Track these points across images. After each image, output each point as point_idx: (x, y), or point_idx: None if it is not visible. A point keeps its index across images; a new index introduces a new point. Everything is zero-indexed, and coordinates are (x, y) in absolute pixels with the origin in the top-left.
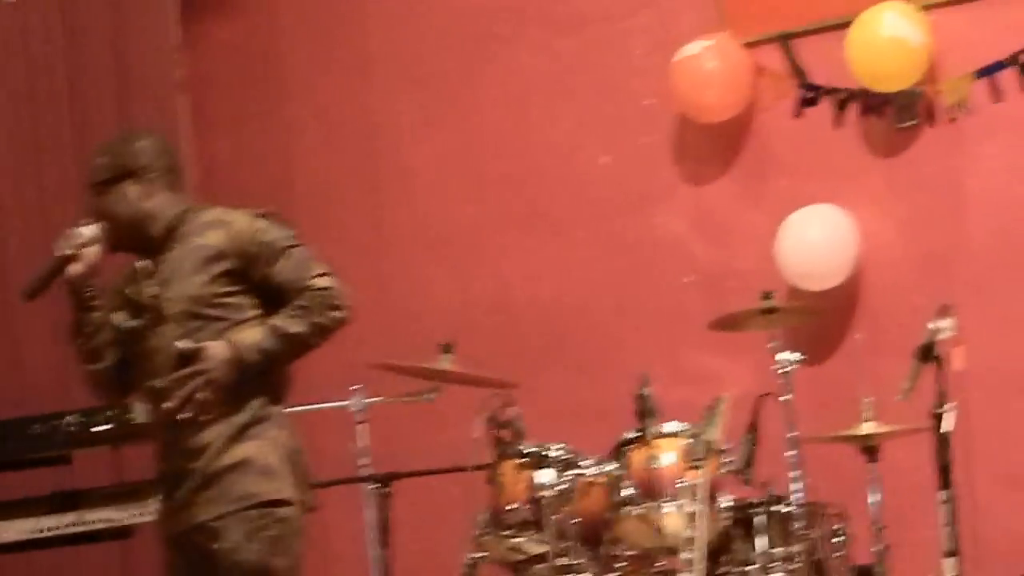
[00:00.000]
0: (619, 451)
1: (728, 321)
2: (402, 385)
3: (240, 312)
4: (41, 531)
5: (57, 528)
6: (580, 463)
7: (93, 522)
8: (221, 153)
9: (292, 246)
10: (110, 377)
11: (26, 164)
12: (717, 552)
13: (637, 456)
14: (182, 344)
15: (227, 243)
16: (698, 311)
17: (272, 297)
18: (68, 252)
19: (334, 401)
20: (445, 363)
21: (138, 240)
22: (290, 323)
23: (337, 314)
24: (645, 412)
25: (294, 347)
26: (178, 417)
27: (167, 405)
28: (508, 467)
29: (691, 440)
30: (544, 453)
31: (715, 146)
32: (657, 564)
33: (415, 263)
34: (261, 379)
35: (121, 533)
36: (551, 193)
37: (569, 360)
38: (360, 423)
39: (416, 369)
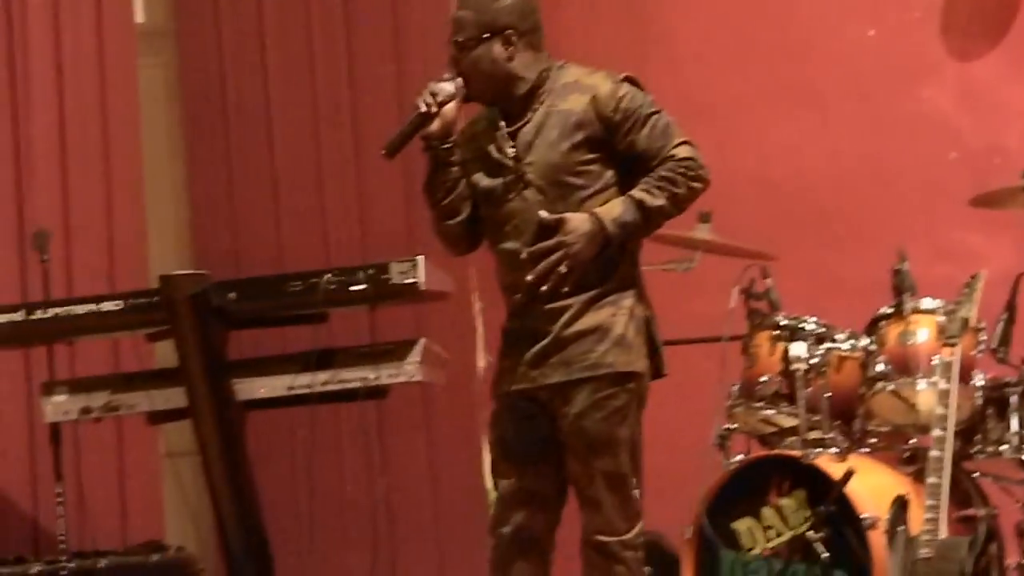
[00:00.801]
0: (874, 326)
1: (990, 198)
2: (660, 253)
3: (600, 180)
4: (296, 388)
5: (312, 386)
6: (834, 337)
7: (348, 381)
8: None
9: (654, 112)
10: (463, 232)
11: (297, 29)
12: (970, 431)
13: (892, 332)
14: (545, 215)
15: (591, 109)
16: (961, 188)
17: (632, 164)
18: (431, 109)
19: None
20: (703, 232)
21: (500, 99)
22: (652, 196)
23: (697, 184)
24: (902, 287)
25: (654, 220)
26: (540, 289)
27: (528, 278)
28: (762, 339)
29: (947, 317)
30: (799, 326)
31: (984, 21)
32: (909, 441)
33: None
34: (621, 248)
35: (376, 392)
36: (816, 65)
37: (827, 233)
38: None
39: (674, 237)
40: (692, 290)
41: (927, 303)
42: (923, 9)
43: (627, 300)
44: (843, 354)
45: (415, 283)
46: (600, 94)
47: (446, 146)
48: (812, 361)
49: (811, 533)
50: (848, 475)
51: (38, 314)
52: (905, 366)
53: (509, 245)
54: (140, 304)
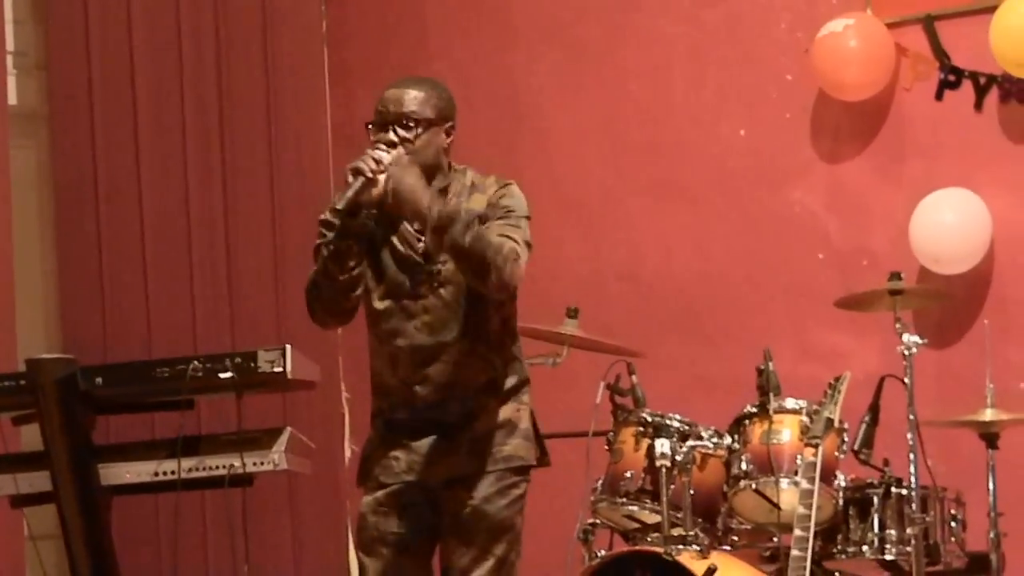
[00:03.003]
0: (738, 424)
1: (856, 300)
2: (529, 347)
3: None
4: (162, 474)
5: (178, 472)
6: (699, 434)
7: (214, 468)
8: (359, 108)
9: (522, 216)
10: (353, 308)
11: (171, 113)
12: (832, 531)
13: (756, 430)
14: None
15: (485, 208)
16: (827, 289)
17: None
18: (374, 175)
19: None
20: (571, 328)
21: None
22: (486, 234)
23: (507, 272)
24: (766, 387)
25: (476, 247)
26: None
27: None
28: (628, 434)
29: (811, 417)
30: (664, 422)
31: (854, 124)
32: (771, 539)
33: (548, 226)
34: (516, 343)
35: (242, 480)
36: (688, 163)
37: (694, 330)
38: None
39: (542, 332)
40: (559, 384)
41: (791, 403)
42: (793, 111)
43: (526, 395)
44: (707, 452)
45: (282, 372)
46: (491, 193)
47: (361, 217)
48: (676, 458)
49: None
50: (710, 572)
51: None
52: (768, 465)
53: (419, 340)
54: (6, 387)
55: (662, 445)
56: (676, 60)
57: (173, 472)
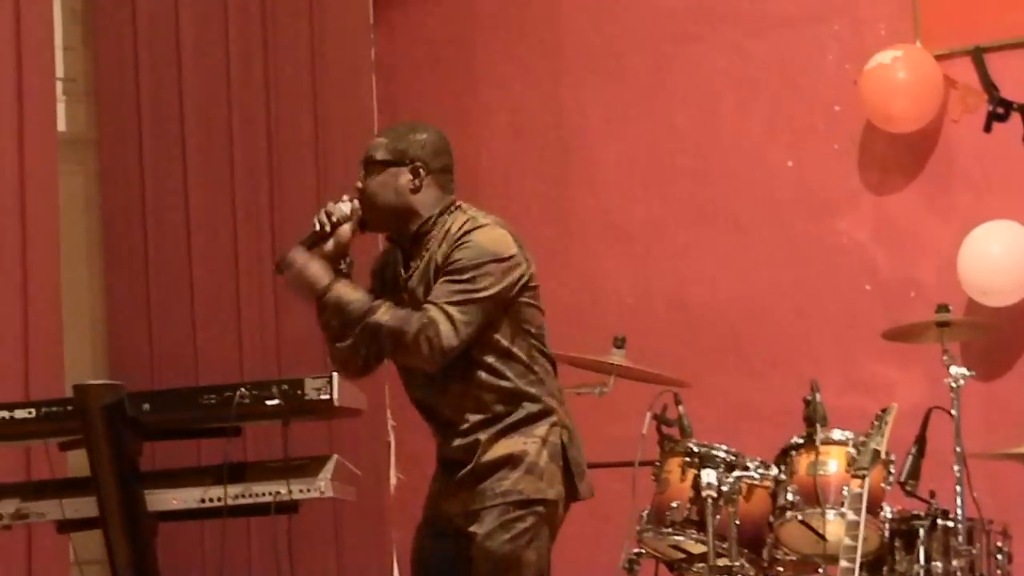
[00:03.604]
0: (784, 455)
1: (903, 332)
2: (575, 377)
3: None
4: (208, 501)
5: (224, 499)
6: (745, 465)
7: (260, 495)
8: None
9: (473, 268)
10: (351, 356)
11: (219, 140)
12: (877, 563)
13: (802, 461)
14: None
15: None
16: (874, 320)
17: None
18: (325, 228)
19: None
20: (617, 357)
21: (396, 231)
22: (386, 314)
23: (425, 352)
24: (813, 418)
25: (372, 331)
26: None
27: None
28: (674, 464)
29: (857, 448)
30: (710, 453)
31: (901, 156)
32: (817, 571)
33: (595, 256)
34: (528, 375)
35: (288, 507)
36: (735, 193)
37: (741, 361)
38: None
39: (588, 362)
40: (606, 414)
41: (838, 434)
42: (842, 142)
43: (540, 429)
44: (753, 482)
45: (329, 399)
46: (446, 247)
47: (339, 267)
48: (722, 488)
49: None
50: None
51: None
52: (814, 496)
53: (418, 391)
54: (53, 412)
55: (708, 475)
56: (724, 91)
57: (219, 499)
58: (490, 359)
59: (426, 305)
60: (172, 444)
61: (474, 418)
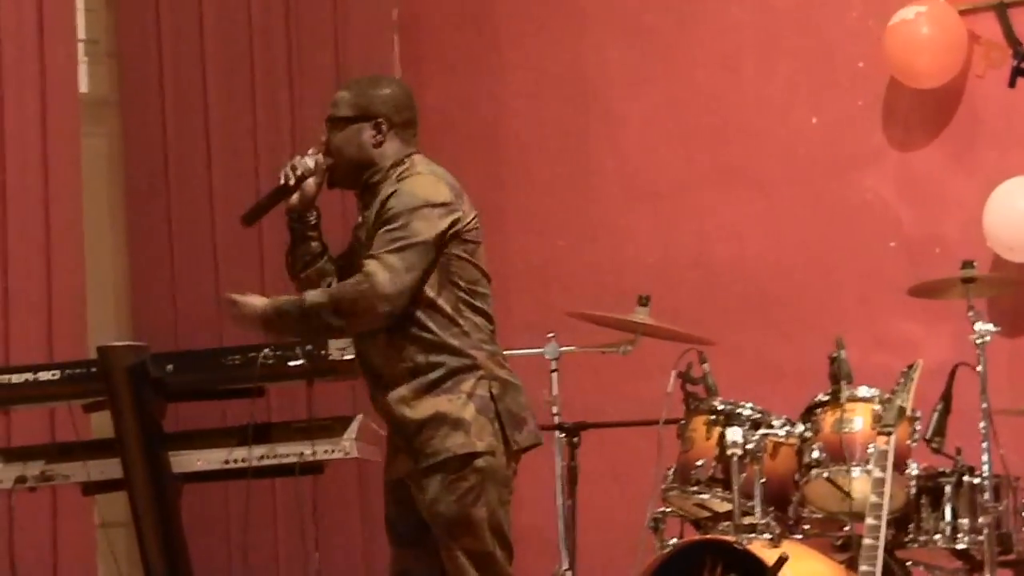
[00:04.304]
0: (810, 413)
1: (928, 288)
2: (598, 335)
3: None
4: (232, 462)
5: (248, 460)
6: (770, 423)
7: (285, 455)
8: (430, 96)
9: (405, 215)
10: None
11: (241, 100)
12: (903, 520)
13: (828, 419)
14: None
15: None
16: (899, 277)
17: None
18: (289, 182)
19: (530, 348)
20: (642, 316)
21: (357, 182)
22: (317, 296)
23: (361, 316)
24: (838, 375)
25: (313, 317)
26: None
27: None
28: (699, 423)
29: (883, 405)
30: (735, 411)
31: (925, 112)
32: (843, 528)
33: (619, 215)
34: (453, 328)
35: (312, 468)
36: (758, 151)
37: (766, 319)
38: (553, 371)
39: (613, 320)
40: (630, 373)
41: (863, 391)
42: (865, 99)
43: (466, 384)
44: (778, 440)
45: (352, 359)
46: (389, 192)
47: (306, 220)
48: (748, 447)
49: None
50: (781, 561)
51: None
52: (840, 454)
53: (358, 346)
54: (77, 375)
55: (733, 434)
56: (746, 48)
57: (244, 460)
58: (414, 309)
59: (364, 260)
60: (196, 405)
61: (398, 368)
